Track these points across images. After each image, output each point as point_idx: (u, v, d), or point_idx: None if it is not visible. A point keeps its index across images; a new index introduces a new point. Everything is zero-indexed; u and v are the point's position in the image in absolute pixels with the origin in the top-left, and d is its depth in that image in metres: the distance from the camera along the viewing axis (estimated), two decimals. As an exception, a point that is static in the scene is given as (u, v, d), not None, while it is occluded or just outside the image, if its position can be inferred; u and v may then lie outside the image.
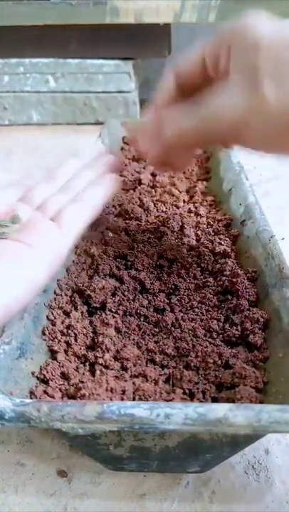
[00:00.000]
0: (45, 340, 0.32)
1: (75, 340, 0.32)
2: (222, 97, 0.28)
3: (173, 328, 0.33)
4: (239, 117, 0.28)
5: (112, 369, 0.30)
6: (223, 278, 0.37)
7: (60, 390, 0.28)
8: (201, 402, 0.28)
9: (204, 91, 0.31)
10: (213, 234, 0.42)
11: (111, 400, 0.26)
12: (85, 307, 0.35)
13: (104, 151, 0.44)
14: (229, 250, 0.39)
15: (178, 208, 0.47)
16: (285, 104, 0.26)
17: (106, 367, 0.30)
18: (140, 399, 0.27)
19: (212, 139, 0.32)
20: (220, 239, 0.40)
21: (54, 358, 0.31)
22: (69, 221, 0.33)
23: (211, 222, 0.44)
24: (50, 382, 0.29)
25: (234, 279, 0.36)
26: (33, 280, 0.29)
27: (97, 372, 0.29)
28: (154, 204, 0.48)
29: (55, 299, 0.34)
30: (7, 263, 0.28)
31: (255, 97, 0.27)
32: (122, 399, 0.27)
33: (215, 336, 0.32)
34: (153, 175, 0.54)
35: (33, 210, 0.34)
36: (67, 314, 0.34)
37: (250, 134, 0.28)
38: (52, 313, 0.33)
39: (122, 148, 0.62)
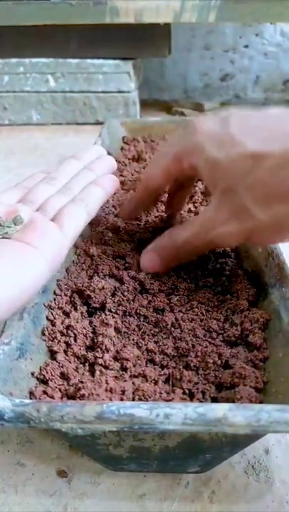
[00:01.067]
0: (44, 340, 0.32)
1: (75, 340, 0.32)
2: (217, 227, 0.32)
3: (173, 328, 0.33)
4: (241, 239, 0.32)
5: (111, 369, 0.30)
6: (223, 278, 0.37)
7: (60, 390, 0.28)
8: (201, 402, 0.28)
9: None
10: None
11: (110, 400, 0.26)
12: (85, 307, 0.35)
13: (103, 152, 0.44)
14: (229, 250, 0.39)
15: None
16: (277, 218, 0.29)
17: (106, 367, 0.30)
18: (140, 399, 0.27)
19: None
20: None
21: (54, 359, 0.31)
22: (69, 221, 0.33)
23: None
24: (49, 382, 0.29)
25: (234, 279, 0.36)
26: (35, 278, 0.29)
27: (97, 372, 0.29)
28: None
29: (54, 299, 0.35)
30: (10, 262, 0.28)
31: (251, 222, 0.30)
32: (122, 399, 0.27)
33: (215, 336, 0.32)
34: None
35: (33, 211, 0.34)
36: (66, 314, 0.34)
37: (253, 242, 0.34)
38: (51, 314, 0.33)
39: (122, 149, 0.62)
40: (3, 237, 0.30)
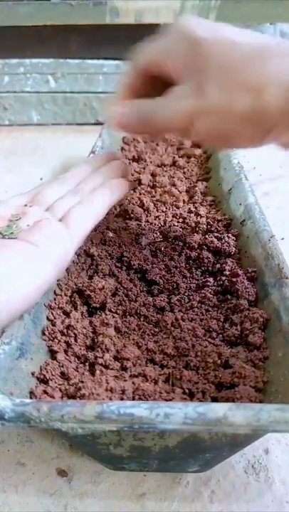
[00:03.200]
0: (45, 340, 0.32)
1: (75, 340, 0.32)
2: (171, 99, 0.31)
3: (173, 328, 0.33)
4: (186, 116, 0.30)
5: (111, 369, 0.30)
6: (223, 278, 0.37)
7: (60, 389, 0.28)
8: (201, 401, 0.28)
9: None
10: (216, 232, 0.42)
11: (111, 399, 0.26)
12: (85, 307, 0.35)
13: (113, 156, 0.44)
14: (231, 250, 0.39)
15: (178, 208, 0.47)
16: (225, 104, 0.28)
17: (106, 367, 0.30)
18: (140, 398, 0.27)
19: (163, 131, 0.35)
20: (219, 239, 0.40)
21: (54, 358, 0.31)
22: (76, 222, 0.33)
23: (211, 222, 0.44)
24: (49, 382, 0.29)
25: (234, 279, 0.36)
26: (39, 280, 0.29)
27: (97, 372, 0.29)
28: (154, 204, 0.48)
29: (55, 299, 0.35)
30: (14, 263, 0.28)
31: (200, 99, 0.29)
32: (122, 399, 0.27)
33: (215, 336, 0.32)
34: (153, 175, 0.54)
35: (42, 211, 0.34)
36: (67, 314, 0.34)
37: (195, 129, 0.30)
38: (52, 314, 0.33)
39: (122, 148, 0.62)
40: (9, 238, 0.30)
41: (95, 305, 0.34)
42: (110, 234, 0.41)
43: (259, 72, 0.27)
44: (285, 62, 0.27)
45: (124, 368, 0.30)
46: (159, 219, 0.46)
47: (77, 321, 0.33)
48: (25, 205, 0.35)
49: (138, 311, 0.34)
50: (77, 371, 0.30)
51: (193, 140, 0.32)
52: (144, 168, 0.55)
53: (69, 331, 0.32)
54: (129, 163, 0.58)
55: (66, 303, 0.35)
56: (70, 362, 0.31)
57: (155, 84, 0.34)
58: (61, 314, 0.34)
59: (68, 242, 0.32)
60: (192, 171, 0.56)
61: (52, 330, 0.32)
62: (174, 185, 0.52)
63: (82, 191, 0.37)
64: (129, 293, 0.36)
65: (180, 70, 0.31)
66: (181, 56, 0.30)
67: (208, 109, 0.29)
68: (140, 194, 0.49)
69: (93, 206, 0.35)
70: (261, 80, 0.27)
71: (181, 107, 0.30)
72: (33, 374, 0.29)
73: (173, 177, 0.53)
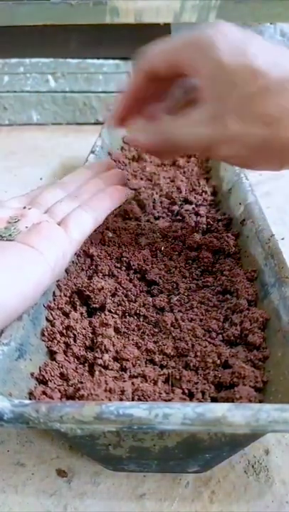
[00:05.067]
0: (44, 341, 0.32)
1: (74, 340, 0.32)
2: (191, 124, 0.31)
3: (172, 328, 0.33)
4: (206, 143, 0.31)
5: (111, 369, 0.30)
6: (223, 278, 0.37)
7: (59, 390, 0.28)
8: (201, 402, 0.28)
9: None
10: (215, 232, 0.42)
11: (110, 400, 0.26)
12: (84, 308, 0.35)
13: (112, 163, 0.44)
14: (230, 250, 0.39)
15: (178, 207, 0.47)
16: (244, 134, 0.29)
17: (105, 367, 0.30)
18: (139, 399, 0.27)
19: (180, 153, 0.36)
20: (219, 238, 0.40)
21: (53, 359, 0.31)
22: (75, 226, 0.33)
23: (211, 222, 0.44)
24: (49, 382, 0.29)
25: (233, 279, 0.36)
26: (37, 283, 0.29)
27: (96, 372, 0.29)
28: (154, 204, 0.48)
29: (54, 300, 0.35)
30: (12, 265, 0.28)
31: (220, 131, 0.30)
32: (121, 399, 0.27)
33: (214, 336, 0.32)
34: (153, 174, 0.54)
35: (41, 213, 0.34)
36: (66, 315, 0.34)
37: (214, 154, 0.32)
38: (51, 314, 0.33)
39: (122, 148, 0.62)
40: (7, 240, 0.30)
41: (94, 305, 0.34)
42: (110, 234, 0.41)
43: (277, 105, 0.28)
44: None
45: (123, 369, 0.30)
46: (159, 219, 0.46)
47: (77, 322, 0.33)
48: (24, 208, 0.34)
49: (138, 312, 0.34)
50: (77, 372, 0.30)
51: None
52: (142, 169, 0.55)
53: (68, 332, 0.32)
54: (129, 162, 0.58)
55: (65, 303, 0.34)
56: (70, 362, 0.31)
57: (161, 83, 0.35)
58: (60, 315, 0.34)
59: (67, 245, 0.32)
60: (192, 170, 0.56)
61: (51, 330, 0.32)
62: (174, 185, 0.52)
63: (81, 196, 0.37)
64: (129, 293, 0.36)
65: (203, 81, 0.31)
66: (203, 68, 0.30)
67: (227, 139, 0.30)
68: (140, 194, 0.49)
69: (92, 211, 0.35)
70: (279, 114, 0.28)
71: (202, 135, 0.31)
72: (32, 375, 0.29)
73: (173, 177, 0.53)
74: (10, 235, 0.31)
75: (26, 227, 0.32)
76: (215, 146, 0.31)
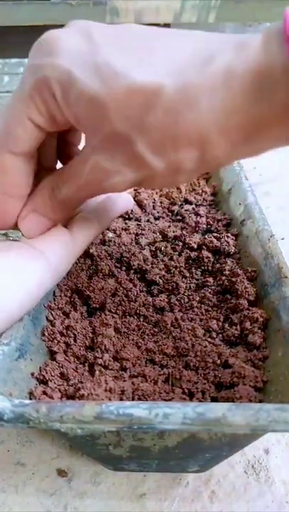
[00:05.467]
0: (44, 340, 0.32)
1: (75, 340, 0.32)
2: (109, 177, 0.26)
3: (172, 328, 0.33)
4: (134, 186, 0.27)
5: (111, 369, 0.30)
6: (223, 278, 0.37)
7: (60, 390, 0.28)
8: (201, 401, 0.28)
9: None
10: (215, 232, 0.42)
11: (110, 400, 0.26)
12: (85, 308, 0.35)
13: None
14: (230, 250, 0.39)
15: (177, 207, 0.47)
16: (172, 164, 0.25)
17: (105, 367, 0.30)
18: (139, 399, 0.27)
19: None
20: (219, 238, 0.40)
21: (53, 359, 0.31)
22: (81, 230, 0.33)
23: (211, 222, 0.44)
24: (49, 382, 0.29)
25: (233, 279, 0.36)
26: (38, 283, 0.29)
27: (96, 372, 0.29)
28: (154, 204, 0.48)
29: (54, 300, 0.35)
30: (15, 266, 0.28)
31: (146, 171, 0.25)
32: (121, 399, 0.27)
33: (214, 336, 0.32)
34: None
35: None
36: (66, 315, 0.34)
37: (147, 186, 0.28)
38: (51, 314, 0.33)
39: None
40: (13, 240, 0.30)
41: (94, 305, 0.34)
42: (110, 234, 0.41)
43: (193, 122, 0.23)
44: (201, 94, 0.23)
45: (123, 368, 0.30)
46: (159, 219, 0.46)
47: (77, 322, 0.33)
48: None
49: (138, 311, 0.34)
50: (77, 372, 0.30)
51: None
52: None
53: (68, 332, 0.32)
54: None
55: (66, 303, 0.35)
56: (70, 362, 0.31)
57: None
58: (61, 315, 0.34)
59: (71, 248, 0.32)
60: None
61: (51, 330, 0.32)
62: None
63: (87, 200, 0.37)
64: (129, 293, 0.36)
65: (81, 122, 0.25)
66: (80, 112, 0.24)
67: (156, 175, 0.26)
68: (140, 194, 0.49)
69: (97, 217, 0.35)
70: (199, 129, 0.23)
71: (121, 185, 0.26)
72: (32, 375, 0.29)
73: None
74: (17, 236, 0.31)
75: None
76: (143, 183, 0.27)
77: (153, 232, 0.42)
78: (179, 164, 0.25)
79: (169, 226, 0.43)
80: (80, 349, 0.31)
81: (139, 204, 0.47)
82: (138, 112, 0.23)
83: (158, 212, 0.47)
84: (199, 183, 0.52)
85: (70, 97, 0.24)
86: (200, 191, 0.51)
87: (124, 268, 0.38)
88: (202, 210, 0.46)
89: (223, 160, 0.25)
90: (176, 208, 0.47)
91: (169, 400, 0.27)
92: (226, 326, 0.33)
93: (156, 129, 0.23)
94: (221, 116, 0.23)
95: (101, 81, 0.23)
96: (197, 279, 0.38)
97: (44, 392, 0.28)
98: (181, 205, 0.48)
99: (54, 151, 0.32)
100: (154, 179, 0.26)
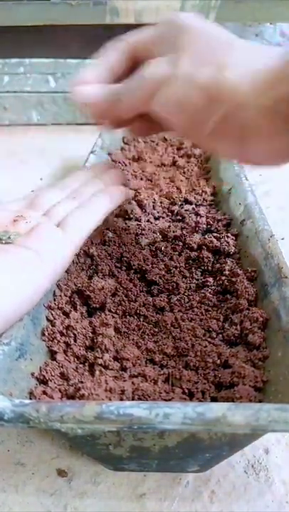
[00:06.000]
0: (44, 340, 0.32)
1: (75, 340, 0.32)
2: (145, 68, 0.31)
3: (172, 328, 0.33)
4: (155, 82, 0.31)
5: (111, 369, 0.30)
6: (223, 278, 0.37)
7: (60, 390, 0.28)
8: (201, 401, 0.28)
9: None
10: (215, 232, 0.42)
11: (110, 400, 0.26)
12: (85, 307, 0.35)
13: (112, 163, 0.44)
14: (230, 250, 0.39)
15: (178, 207, 0.47)
16: (191, 73, 0.29)
17: (105, 367, 0.30)
18: (139, 399, 0.27)
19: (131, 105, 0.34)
20: (219, 238, 0.40)
21: (53, 359, 0.31)
22: (75, 227, 0.33)
23: (211, 222, 0.44)
24: (49, 382, 0.29)
25: (233, 279, 0.36)
26: (36, 285, 0.29)
27: (97, 372, 0.29)
28: (154, 204, 0.48)
29: (54, 300, 0.35)
30: (11, 269, 0.28)
31: (172, 68, 0.30)
32: (122, 399, 0.27)
33: (214, 336, 0.32)
34: (153, 175, 0.54)
35: (40, 216, 0.34)
36: (66, 315, 0.34)
37: (155, 100, 0.31)
38: (51, 314, 0.33)
39: (122, 149, 0.62)
40: (6, 242, 0.30)
41: (94, 305, 0.34)
42: (110, 234, 0.42)
43: (227, 54, 0.29)
44: (249, 53, 0.29)
45: (123, 368, 0.30)
46: (159, 219, 0.46)
47: (77, 322, 0.33)
48: (23, 210, 0.34)
49: (138, 311, 0.34)
50: (77, 371, 0.30)
51: (152, 113, 0.32)
52: (143, 171, 0.55)
53: (68, 332, 0.32)
54: (129, 163, 0.58)
55: (66, 303, 0.35)
56: (70, 362, 0.31)
57: (131, 71, 0.35)
58: (61, 315, 0.34)
59: (66, 246, 0.32)
60: (192, 170, 0.56)
61: (51, 330, 0.32)
62: (174, 185, 0.52)
63: (80, 196, 0.37)
64: (129, 293, 0.36)
65: (163, 45, 0.32)
66: (168, 42, 0.31)
67: (175, 77, 0.30)
68: (140, 194, 0.49)
69: (92, 211, 0.35)
70: (227, 60, 0.29)
71: (153, 74, 0.31)
72: (32, 374, 0.29)
73: (173, 177, 0.53)
74: (9, 237, 0.31)
75: (25, 230, 0.32)
76: (161, 86, 0.30)
77: (153, 232, 0.43)
78: (197, 74, 0.29)
79: (169, 226, 0.43)
80: (80, 349, 0.31)
81: (139, 204, 0.47)
82: (198, 38, 0.30)
83: (158, 212, 0.47)
84: (199, 183, 0.52)
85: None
86: (200, 191, 0.51)
87: (124, 268, 0.38)
88: (202, 210, 0.46)
89: (227, 92, 0.28)
90: (176, 208, 0.47)
91: (169, 399, 0.27)
92: (226, 326, 0.33)
93: (202, 48, 0.30)
94: (245, 59, 0.29)
95: (192, 21, 0.31)
96: (197, 279, 0.38)
97: (44, 392, 0.28)
98: (181, 205, 0.48)
99: None
100: (174, 83, 0.30)
